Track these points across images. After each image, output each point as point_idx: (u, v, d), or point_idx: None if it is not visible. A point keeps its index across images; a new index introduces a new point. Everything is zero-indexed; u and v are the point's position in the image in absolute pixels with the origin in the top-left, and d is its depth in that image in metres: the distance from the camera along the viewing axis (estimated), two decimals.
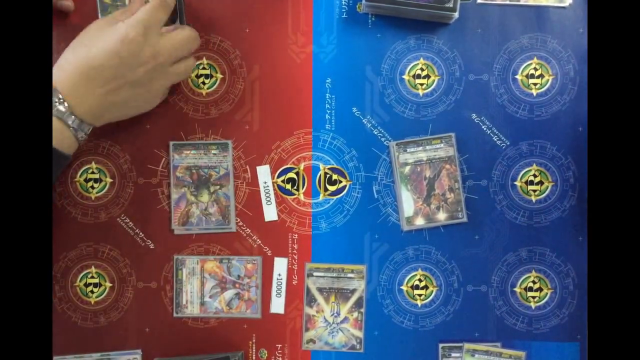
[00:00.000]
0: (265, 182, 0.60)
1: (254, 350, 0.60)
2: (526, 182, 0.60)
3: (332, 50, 0.60)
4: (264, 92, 0.60)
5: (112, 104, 0.51)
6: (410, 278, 0.60)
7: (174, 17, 0.54)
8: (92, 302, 0.60)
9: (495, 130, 0.60)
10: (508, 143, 0.60)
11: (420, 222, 0.59)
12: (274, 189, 0.60)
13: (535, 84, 0.60)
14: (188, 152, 0.59)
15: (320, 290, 0.60)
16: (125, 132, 0.59)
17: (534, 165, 0.60)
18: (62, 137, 0.50)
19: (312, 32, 0.60)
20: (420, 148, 0.59)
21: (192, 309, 0.60)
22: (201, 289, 0.60)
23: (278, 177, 0.60)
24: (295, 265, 0.60)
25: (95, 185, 0.59)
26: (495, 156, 0.60)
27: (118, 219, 0.59)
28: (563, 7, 0.60)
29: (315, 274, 0.60)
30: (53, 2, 0.56)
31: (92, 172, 0.59)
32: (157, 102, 0.56)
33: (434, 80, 0.60)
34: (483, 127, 0.60)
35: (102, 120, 0.53)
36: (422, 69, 0.60)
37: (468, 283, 0.60)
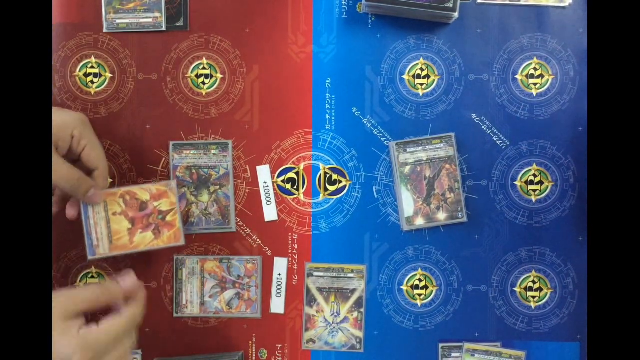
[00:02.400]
0: (265, 182, 0.60)
1: (254, 350, 0.60)
2: (526, 182, 0.60)
3: (332, 50, 0.60)
4: (264, 92, 0.60)
5: None
6: (410, 278, 0.60)
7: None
8: None
9: (495, 130, 0.60)
10: (508, 143, 0.60)
11: (420, 222, 0.59)
12: (274, 189, 0.60)
13: (535, 84, 0.60)
14: (188, 152, 0.59)
15: (320, 290, 0.60)
16: (125, 132, 0.59)
17: (534, 165, 0.60)
18: None
19: (312, 32, 0.60)
20: (420, 148, 0.59)
21: (192, 309, 0.60)
22: (201, 289, 0.60)
23: (278, 177, 0.60)
24: (295, 265, 0.60)
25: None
26: (495, 156, 0.60)
27: None
28: (563, 7, 0.60)
29: (315, 273, 0.60)
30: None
31: None
32: None
33: (434, 80, 0.60)
34: (483, 127, 0.60)
35: None
36: (422, 69, 0.60)
37: (468, 283, 0.60)
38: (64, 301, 0.46)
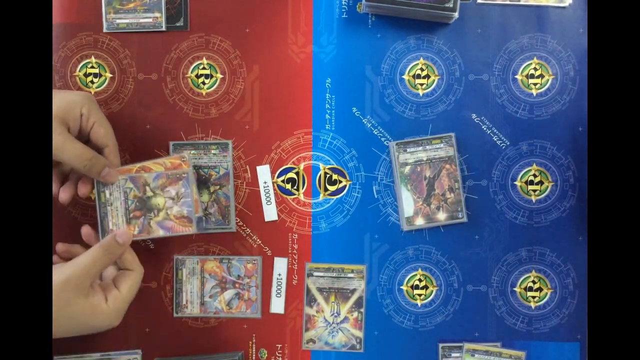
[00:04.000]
0: (265, 182, 0.60)
1: (254, 350, 0.60)
2: (526, 182, 0.60)
3: (332, 50, 0.60)
4: (264, 92, 0.60)
5: None
6: (410, 278, 0.60)
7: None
8: None
9: (495, 130, 0.60)
10: (508, 143, 0.60)
11: (420, 222, 0.59)
12: (274, 189, 0.60)
13: (535, 84, 0.60)
14: (188, 152, 0.59)
15: (320, 290, 0.60)
16: (125, 132, 0.59)
17: (534, 165, 0.60)
18: None
19: (312, 32, 0.60)
20: (420, 148, 0.59)
21: (192, 309, 0.60)
22: (201, 289, 0.60)
23: (278, 177, 0.60)
24: (295, 265, 0.60)
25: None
26: (495, 156, 0.60)
27: None
28: (563, 7, 0.60)
29: (315, 273, 0.60)
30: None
31: None
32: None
33: (434, 80, 0.60)
34: (483, 127, 0.60)
35: None
36: (422, 69, 0.60)
37: (468, 283, 0.60)
38: (77, 277, 0.49)
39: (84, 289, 0.49)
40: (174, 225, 0.54)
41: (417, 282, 0.60)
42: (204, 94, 0.60)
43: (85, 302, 0.49)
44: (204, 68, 0.60)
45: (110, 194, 0.54)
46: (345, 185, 0.60)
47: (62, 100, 0.50)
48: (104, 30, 0.59)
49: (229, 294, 0.60)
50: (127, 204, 0.54)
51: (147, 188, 0.54)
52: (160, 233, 0.54)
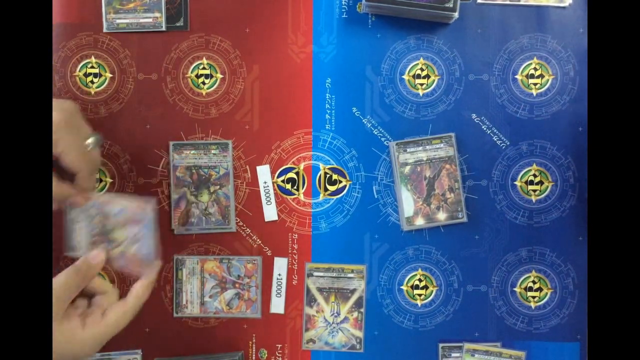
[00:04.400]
0: (265, 182, 0.60)
1: (254, 350, 0.60)
2: (526, 182, 0.60)
3: (332, 50, 0.60)
4: (264, 92, 0.60)
5: None
6: (410, 278, 0.60)
7: None
8: None
9: (495, 130, 0.60)
10: (508, 143, 0.60)
11: (420, 222, 0.59)
12: (274, 189, 0.60)
13: (535, 84, 0.60)
14: (188, 152, 0.59)
15: (320, 290, 0.60)
16: (125, 132, 0.59)
17: (534, 165, 0.60)
18: None
19: (312, 32, 0.60)
20: (420, 148, 0.59)
21: (192, 309, 0.60)
22: (201, 289, 0.60)
23: (278, 177, 0.60)
24: (295, 265, 0.60)
25: (96, 185, 0.59)
26: (495, 156, 0.60)
27: None
28: (563, 7, 0.60)
29: (315, 273, 0.60)
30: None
31: None
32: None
33: (434, 80, 0.60)
34: (483, 127, 0.60)
35: None
36: (422, 69, 0.60)
37: (468, 283, 0.60)
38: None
39: (58, 313, 0.47)
40: (130, 263, 0.53)
41: (417, 282, 0.60)
42: (204, 94, 0.60)
43: (59, 327, 0.46)
44: (204, 68, 0.60)
45: (77, 214, 0.53)
46: (345, 185, 0.60)
47: None
48: (104, 30, 0.59)
49: (229, 294, 0.60)
50: (91, 227, 0.53)
51: (110, 219, 0.53)
52: (121, 263, 0.53)
